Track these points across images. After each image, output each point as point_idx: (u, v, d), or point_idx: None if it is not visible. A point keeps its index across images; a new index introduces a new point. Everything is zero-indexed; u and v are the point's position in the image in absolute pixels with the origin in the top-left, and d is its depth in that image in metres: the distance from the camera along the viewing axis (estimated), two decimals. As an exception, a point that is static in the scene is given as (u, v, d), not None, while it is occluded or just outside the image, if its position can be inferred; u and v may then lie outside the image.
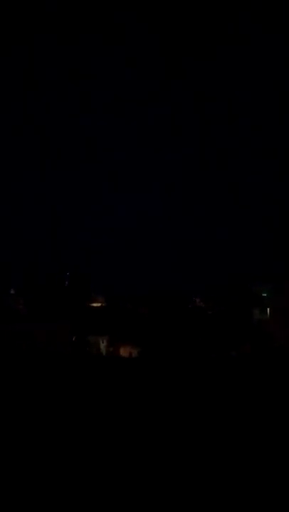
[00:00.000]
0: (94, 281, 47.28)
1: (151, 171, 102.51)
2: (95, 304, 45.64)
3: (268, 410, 6.84)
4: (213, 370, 11.73)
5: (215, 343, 27.50)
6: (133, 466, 4.48)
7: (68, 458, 4.66)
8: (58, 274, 43.47)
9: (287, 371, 11.03)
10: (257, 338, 27.55)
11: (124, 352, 33.14)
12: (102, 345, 35.11)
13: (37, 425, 5.88)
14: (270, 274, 33.91)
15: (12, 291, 47.85)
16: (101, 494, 3.94)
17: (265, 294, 33.32)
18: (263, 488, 4.13)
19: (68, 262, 46.27)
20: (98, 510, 3.71)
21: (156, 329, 31.98)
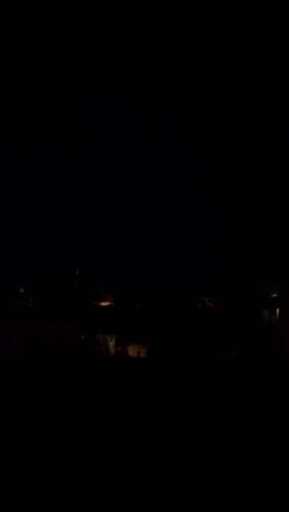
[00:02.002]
0: (104, 281, 47.39)
1: (165, 169, 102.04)
2: (103, 303, 45.74)
3: (276, 411, 6.80)
4: (220, 371, 11.68)
5: (223, 344, 27.43)
6: (135, 469, 4.47)
7: (74, 459, 4.65)
8: (68, 273, 43.60)
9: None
10: (265, 340, 27.43)
11: (132, 351, 33.19)
12: (111, 344, 35.16)
13: (43, 425, 5.89)
14: (280, 274, 33.68)
15: (22, 290, 48.14)
16: (109, 492, 3.95)
17: (275, 295, 33.13)
18: (262, 489, 4.11)
19: (78, 261, 46.36)
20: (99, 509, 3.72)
21: (164, 329, 31.99)
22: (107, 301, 46.94)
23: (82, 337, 33.19)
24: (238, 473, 4.46)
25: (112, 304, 46.01)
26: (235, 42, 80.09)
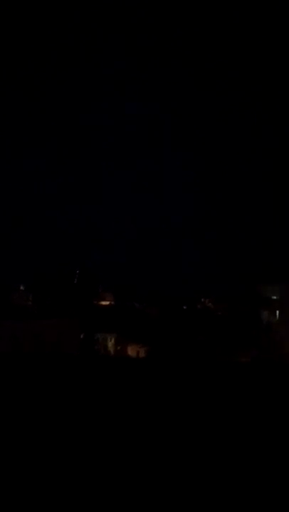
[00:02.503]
0: (104, 280, 47.40)
1: (165, 169, 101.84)
2: (103, 302, 45.75)
3: (276, 412, 6.80)
4: (220, 374, 11.68)
5: (223, 345, 27.45)
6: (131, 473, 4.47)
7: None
8: (68, 272, 43.59)
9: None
10: (265, 342, 27.46)
11: (131, 351, 33.21)
12: (110, 343, 35.17)
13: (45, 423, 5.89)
14: (280, 276, 33.68)
15: (22, 288, 48.14)
16: (109, 491, 3.96)
17: (275, 297, 33.11)
18: (264, 490, 4.12)
19: (78, 260, 46.36)
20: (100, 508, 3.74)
21: (163, 329, 32.00)
22: (107, 300, 46.94)
23: (82, 336, 33.20)
24: (237, 473, 4.46)
25: (112, 303, 46.01)
26: (235, 42, 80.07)
